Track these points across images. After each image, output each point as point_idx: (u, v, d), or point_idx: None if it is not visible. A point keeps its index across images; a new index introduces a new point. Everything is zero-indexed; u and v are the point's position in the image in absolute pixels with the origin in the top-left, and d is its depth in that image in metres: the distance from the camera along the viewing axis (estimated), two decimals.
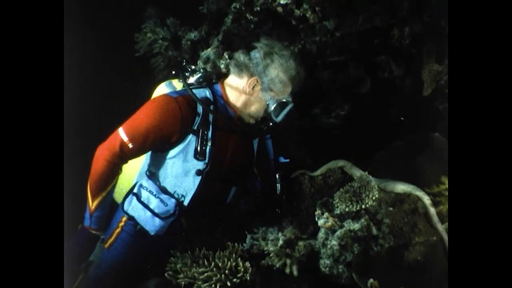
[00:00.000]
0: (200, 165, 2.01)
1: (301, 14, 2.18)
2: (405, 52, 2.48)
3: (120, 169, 1.99)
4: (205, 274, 1.87)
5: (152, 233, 2.01)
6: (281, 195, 2.23)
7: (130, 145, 1.90)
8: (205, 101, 2.00)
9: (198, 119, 1.96)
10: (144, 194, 2.00)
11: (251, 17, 2.33)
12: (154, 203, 1.99)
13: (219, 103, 2.06)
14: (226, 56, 2.21)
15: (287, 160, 2.36)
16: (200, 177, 2.02)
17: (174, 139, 1.98)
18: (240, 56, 2.03)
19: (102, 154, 1.92)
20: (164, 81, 2.23)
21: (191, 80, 2.15)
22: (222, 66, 2.33)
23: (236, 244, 2.05)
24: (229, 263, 1.90)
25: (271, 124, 2.09)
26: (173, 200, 2.00)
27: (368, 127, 2.95)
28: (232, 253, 1.97)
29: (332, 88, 2.88)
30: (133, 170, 2.17)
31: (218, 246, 2.04)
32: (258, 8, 2.25)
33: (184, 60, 2.22)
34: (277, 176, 2.23)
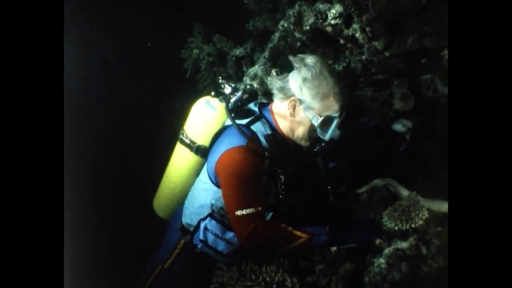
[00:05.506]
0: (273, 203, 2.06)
1: (350, 34, 2.20)
2: None
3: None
4: None
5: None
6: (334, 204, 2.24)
7: (260, 208, 1.89)
8: (269, 140, 1.97)
9: (267, 161, 1.96)
10: (210, 238, 2.06)
11: (299, 35, 2.36)
12: (221, 245, 2.07)
13: (278, 135, 2.05)
14: (274, 73, 2.25)
15: (334, 164, 2.32)
16: (271, 213, 2.08)
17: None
18: (275, 80, 2.02)
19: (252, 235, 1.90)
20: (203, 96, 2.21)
21: (233, 99, 2.08)
22: (269, 83, 2.34)
23: (282, 259, 2.07)
24: (276, 277, 1.92)
25: (323, 144, 2.05)
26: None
27: (411, 145, 2.94)
28: (279, 268, 1.99)
29: (374, 105, 2.89)
30: (198, 200, 2.15)
31: (264, 261, 2.07)
32: (308, 27, 2.29)
33: (222, 80, 2.16)
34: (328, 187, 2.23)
